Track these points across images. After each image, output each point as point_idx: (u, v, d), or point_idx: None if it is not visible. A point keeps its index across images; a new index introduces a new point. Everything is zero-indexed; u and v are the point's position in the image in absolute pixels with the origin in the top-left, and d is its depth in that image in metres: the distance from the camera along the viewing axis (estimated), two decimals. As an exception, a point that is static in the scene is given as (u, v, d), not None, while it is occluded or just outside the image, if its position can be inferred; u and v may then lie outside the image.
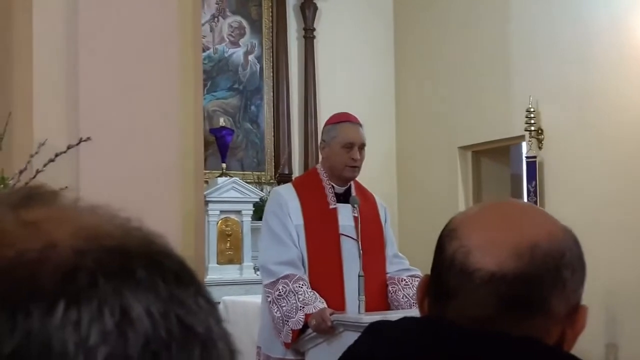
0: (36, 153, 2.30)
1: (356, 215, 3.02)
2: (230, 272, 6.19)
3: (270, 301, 2.91)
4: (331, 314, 2.77)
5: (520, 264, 0.88)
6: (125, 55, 2.82)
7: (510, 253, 0.88)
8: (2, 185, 2.21)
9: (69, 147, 2.31)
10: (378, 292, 3.03)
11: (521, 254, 0.88)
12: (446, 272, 0.93)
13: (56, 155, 2.28)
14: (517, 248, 0.89)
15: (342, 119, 3.14)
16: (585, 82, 5.65)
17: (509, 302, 0.88)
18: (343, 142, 3.05)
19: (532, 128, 5.99)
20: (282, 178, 6.79)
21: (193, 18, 3.07)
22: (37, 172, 2.25)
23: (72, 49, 2.71)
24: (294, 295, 2.85)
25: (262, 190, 6.55)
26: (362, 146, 3.09)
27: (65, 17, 2.73)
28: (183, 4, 2.95)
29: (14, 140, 2.54)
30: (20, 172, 2.27)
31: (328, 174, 3.10)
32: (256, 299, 4.61)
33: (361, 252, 2.91)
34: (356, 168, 3.09)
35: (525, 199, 6.31)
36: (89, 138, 2.32)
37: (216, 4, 6.74)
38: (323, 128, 3.20)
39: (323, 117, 6.90)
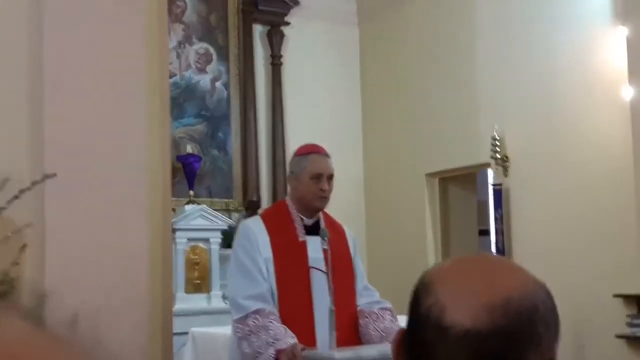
0: None
1: (326, 247, 3.01)
2: (198, 301, 6.10)
3: (240, 337, 2.87)
4: (302, 349, 2.74)
5: (494, 319, 0.87)
6: (91, 87, 2.78)
7: (484, 308, 0.88)
8: (-36, 224, 2.15)
9: (33, 184, 2.27)
10: (348, 326, 3.01)
11: (495, 309, 0.87)
12: (422, 328, 0.92)
13: (20, 192, 2.24)
14: (491, 303, 0.88)
15: (310, 150, 3.14)
16: (549, 111, 5.74)
17: (481, 359, 0.87)
18: (311, 173, 3.05)
19: (498, 155, 6.06)
20: (251, 205, 6.76)
21: (160, 46, 3.05)
22: (1, 209, 2.20)
23: (37, 81, 2.67)
24: (265, 330, 2.81)
25: (230, 217, 6.51)
26: (330, 177, 3.10)
27: (28, 48, 2.69)
28: (149, 32, 2.93)
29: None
30: (-17, 209, 2.22)
31: (297, 206, 3.09)
32: (225, 329, 4.55)
33: (332, 285, 2.89)
34: (325, 199, 3.08)
35: (492, 226, 6.37)
36: (54, 174, 2.28)
37: (182, 30, 6.73)
38: (291, 160, 3.19)
39: (291, 143, 6.90)
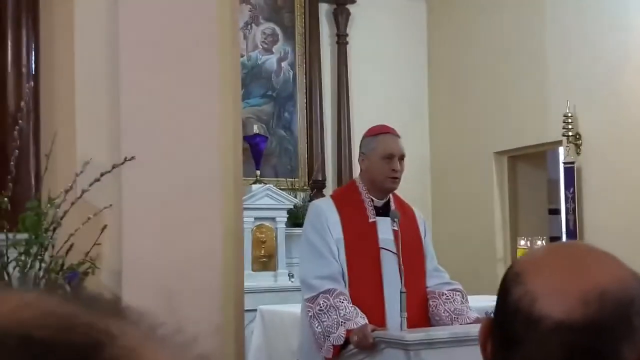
0: (81, 172, 2.33)
1: (396, 228, 3.00)
2: (265, 279, 6.19)
3: (311, 316, 2.90)
4: (373, 330, 2.76)
5: (588, 312, 0.85)
6: (165, 70, 2.83)
7: (577, 300, 0.86)
8: (49, 205, 2.24)
9: (114, 167, 2.33)
10: (419, 307, 3.00)
11: (589, 301, 0.86)
12: (511, 318, 0.91)
13: (102, 175, 2.30)
14: (585, 295, 0.86)
15: (381, 131, 3.12)
16: (623, 87, 5.55)
17: (578, 352, 0.85)
18: (383, 153, 3.03)
19: (570, 133, 5.90)
20: (316, 185, 6.79)
21: (231, 28, 3.07)
22: (83, 191, 2.27)
23: (114, 67, 2.74)
24: (335, 310, 2.83)
25: (295, 197, 6.55)
26: (401, 157, 3.08)
27: (105, 37, 2.75)
28: (221, 13, 2.96)
29: (58, 159, 2.57)
30: (66, 191, 2.29)
31: (367, 187, 3.09)
32: (292, 308, 4.61)
33: (402, 267, 2.89)
34: (397, 179, 3.07)
35: (563, 205, 6.23)
36: (133, 157, 2.34)
37: (249, 11, 6.76)
38: (361, 140, 3.18)
39: (356, 123, 6.89)
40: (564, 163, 6.04)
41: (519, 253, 5.00)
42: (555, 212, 7.24)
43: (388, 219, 3.03)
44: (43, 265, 2.22)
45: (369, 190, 3.08)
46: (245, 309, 3.60)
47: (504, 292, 0.94)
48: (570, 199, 5.93)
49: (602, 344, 0.85)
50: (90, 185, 2.27)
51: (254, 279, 6.06)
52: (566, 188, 6.01)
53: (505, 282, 0.95)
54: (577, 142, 5.93)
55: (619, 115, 5.60)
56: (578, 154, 5.94)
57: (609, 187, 5.68)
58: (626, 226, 5.49)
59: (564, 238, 6.56)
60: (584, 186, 5.90)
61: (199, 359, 0.41)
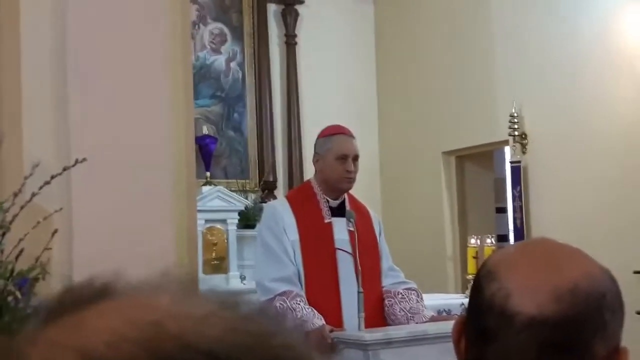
0: (30, 175, 2.25)
1: (351, 229, 3.00)
2: (216, 282, 6.13)
3: (267, 318, 2.87)
4: (331, 331, 2.75)
5: (560, 307, 0.86)
6: (115, 70, 2.77)
7: (550, 296, 0.87)
8: (-4, 210, 2.15)
9: (64, 169, 2.26)
10: (375, 307, 3.01)
11: (561, 296, 0.86)
12: (485, 315, 0.92)
13: (52, 177, 2.23)
14: (557, 290, 0.87)
15: (335, 132, 3.13)
16: (569, 87, 5.69)
17: (551, 347, 0.86)
18: (337, 154, 3.04)
19: (516, 133, 6.02)
20: (267, 186, 6.76)
21: (183, 27, 3.02)
22: (33, 194, 2.20)
23: (62, 67, 2.66)
24: (292, 312, 2.82)
25: (246, 198, 6.51)
26: (355, 158, 3.09)
27: (53, 35, 2.67)
28: (172, 16, 2.91)
29: (5, 162, 2.48)
30: (15, 194, 2.21)
31: (322, 187, 3.08)
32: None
33: (359, 267, 2.89)
34: (351, 179, 3.08)
35: (510, 204, 6.35)
36: (84, 159, 2.27)
37: (197, 11, 6.68)
38: (316, 141, 3.18)
39: (306, 123, 6.88)
40: (511, 162, 6.16)
41: (469, 251, 5.07)
42: (503, 210, 7.37)
43: (344, 219, 3.03)
44: (-9, 271, 2.14)
45: (324, 190, 3.07)
46: (198, 312, 3.55)
47: (477, 289, 0.94)
48: (517, 197, 6.05)
49: (573, 339, 0.86)
50: (40, 188, 2.19)
51: (205, 282, 6.00)
52: (513, 187, 6.13)
53: (478, 280, 0.95)
54: (523, 141, 6.05)
55: (564, 115, 5.74)
56: (524, 153, 6.06)
57: (554, 185, 5.81)
58: (572, 224, 5.63)
59: (511, 236, 6.68)
60: (530, 185, 6.02)
61: None
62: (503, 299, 0.89)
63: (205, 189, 6.19)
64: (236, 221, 6.25)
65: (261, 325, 0.37)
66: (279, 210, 3.01)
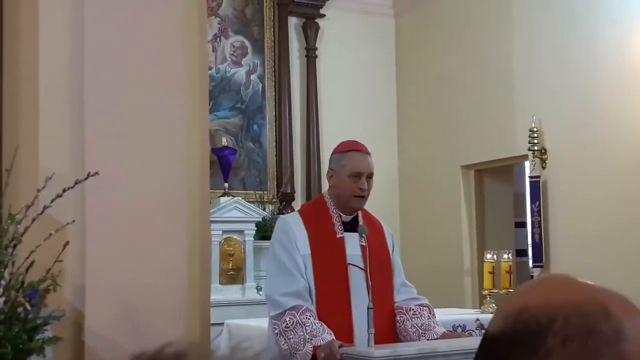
0: (43, 187, 2.28)
1: (364, 244, 3.00)
2: (232, 293, 6.15)
3: (277, 333, 2.87)
4: (340, 346, 2.74)
5: (503, 326, 0.85)
6: (131, 83, 2.80)
7: (501, 316, 0.87)
8: (10, 221, 2.19)
9: (76, 182, 2.29)
10: (386, 323, 3.00)
11: (508, 316, 0.86)
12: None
13: (64, 191, 2.26)
14: (508, 311, 0.87)
15: (350, 148, 3.12)
16: (589, 103, 5.64)
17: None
18: (351, 171, 3.03)
19: (536, 148, 5.98)
20: (285, 197, 6.77)
21: (200, 40, 3.05)
22: (45, 207, 2.23)
23: (78, 80, 2.70)
24: (302, 327, 2.82)
25: (264, 209, 6.53)
26: (370, 175, 3.07)
27: (70, 49, 2.71)
28: (188, 25, 2.93)
29: (19, 174, 2.52)
30: (27, 207, 2.25)
31: (335, 203, 3.08)
32: (260, 322, 4.57)
33: (370, 282, 2.88)
34: (363, 198, 3.06)
35: (529, 219, 6.29)
36: (96, 173, 2.30)
37: (218, 24, 6.74)
38: (331, 156, 3.17)
39: (325, 136, 6.89)
40: (530, 177, 6.12)
41: (486, 266, 5.03)
42: (522, 225, 7.32)
43: (356, 234, 3.03)
44: (2, 282, 2.16)
45: (336, 205, 3.07)
46: (212, 322, 3.57)
47: None
48: (536, 212, 6.00)
49: (506, 356, 0.84)
50: (52, 201, 2.22)
51: (221, 293, 6.01)
52: (532, 202, 6.08)
53: None
54: (543, 156, 6.00)
55: (584, 130, 5.69)
56: (544, 168, 6.01)
57: (574, 201, 5.76)
58: (590, 240, 5.56)
59: (529, 251, 6.62)
60: (549, 200, 5.97)
61: None
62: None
63: (223, 199, 6.22)
64: (253, 232, 6.27)
65: None
66: (291, 224, 3.01)
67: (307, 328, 2.81)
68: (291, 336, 2.82)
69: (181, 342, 0.41)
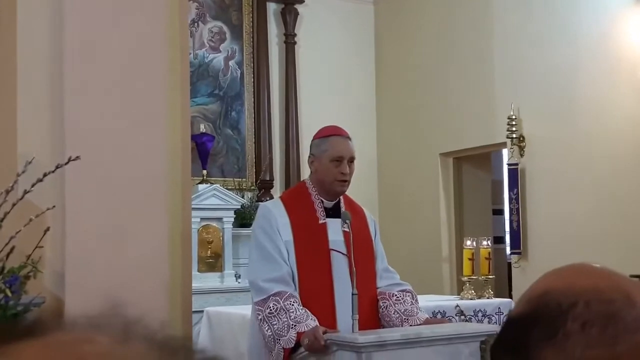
0: (23, 172, 2.24)
1: (346, 230, 2.99)
2: (211, 280, 6.12)
3: (260, 319, 2.86)
4: (324, 333, 2.73)
5: (525, 309, 0.85)
6: (112, 68, 2.75)
7: (525, 299, 0.87)
8: (-12, 207, 2.14)
9: (57, 167, 2.25)
10: (369, 309, 2.99)
11: (531, 299, 0.85)
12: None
13: (45, 175, 2.22)
14: (531, 294, 0.86)
15: (331, 133, 3.10)
16: (568, 90, 5.68)
17: (502, 344, 0.86)
18: (332, 156, 3.01)
19: (514, 135, 6.01)
20: (264, 185, 6.74)
21: (181, 25, 3.01)
22: (25, 192, 2.19)
23: (58, 63, 2.64)
24: (286, 313, 2.80)
25: (243, 197, 6.50)
26: (351, 160, 3.06)
27: (50, 32, 2.66)
28: (171, 12, 2.89)
29: (-2, 158, 2.47)
30: (7, 192, 2.20)
31: (317, 188, 3.06)
32: (240, 309, 4.55)
33: (353, 268, 2.87)
34: (345, 182, 3.05)
35: (507, 206, 6.34)
36: (78, 157, 2.26)
37: (196, 9, 6.67)
38: (312, 142, 3.15)
39: (304, 122, 6.87)
40: (508, 164, 6.15)
41: (465, 253, 5.06)
42: (500, 212, 7.37)
43: (338, 220, 3.01)
44: (-18, 269, 2.12)
45: (318, 191, 3.05)
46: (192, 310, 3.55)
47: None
48: (514, 199, 6.04)
49: (523, 337, 0.84)
50: (33, 185, 2.18)
51: (200, 280, 5.98)
52: (510, 189, 6.12)
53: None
54: (521, 144, 6.04)
55: (562, 118, 5.73)
56: (522, 155, 6.05)
57: (551, 188, 5.80)
58: (568, 227, 5.62)
59: (507, 238, 6.67)
60: (527, 187, 6.02)
61: None
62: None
63: (202, 187, 6.17)
64: (232, 220, 6.24)
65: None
66: (273, 211, 2.99)
67: (291, 314, 2.79)
68: (275, 322, 2.80)
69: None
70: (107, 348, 0.37)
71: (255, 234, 3.02)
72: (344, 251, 2.97)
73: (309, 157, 3.12)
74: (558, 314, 0.81)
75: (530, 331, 0.82)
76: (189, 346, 0.38)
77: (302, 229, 2.98)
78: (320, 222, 3.02)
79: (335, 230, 3.02)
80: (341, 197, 3.12)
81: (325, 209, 3.05)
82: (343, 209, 3.07)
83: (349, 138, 3.10)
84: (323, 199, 3.05)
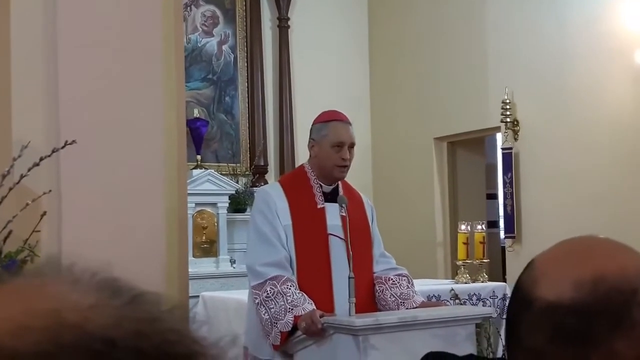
0: (19, 156, 2.22)
1: (344, 214, 2.99)
2: (206, 266, 6.12)
3: (258, 303, 2.86)
4: (321, 316, 2.74)
5: (579, 295, 0.84)
6: (107, 51, 2.73)
7: (570, 284, 0.85)
8: (-16, 191, 2.12)
9: (54, 151, 2.23)
10: (366, 293, 3.00)
11: (582, 285, 0.85)
12: (513, 299, 0.92)
13: (41, 159, 2.20)
14: (579, 279, 0.85)
15: (332, 118, 3.09)
16: (561, 75, 5.68)
17: (564, 333, 0.85)
18: (333, 141, 3.01)
19: (508, 119, 6.01)
20: (258, 170, 6.73)
21: (175, 9, 2.98)
22: (22, 176, 2.17)
23: (52, 47, 2.62)
24: (282, 296, 2.81)
25: (237, 182, 6.49)
26: (351, 145, 3.06)
27: (44, 15, 2.63)
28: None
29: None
30: (3, 176, 2.19)
31: (316, 173, 3.06)
32: (235, 294, 4.56)
33: (350, 252, 2.88)
34: (345, 168, 3.05)
35: (501, 190, 6.35)
36: (74, 141, 2.24)
37: (189, -8, 6.62)
38: (312, 126, 3.14)
39: (298, 107, 6.85)
40: (502, 149, 6.16)
41: (460, 237, 5.07)
42: (494, 196, 7.39)
43: (336, 204, 3.02)
44: (-21, 254, 2.11)
45: (317, 176, 3.05)
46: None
47: (518, 278, 0.95)
48: (508, 183, 6.05)
49: (588, 327, 0.84)
50: (29, 170, 2.17)
51: (195, 266, 5.98)
52: (504, 173, 6.13)
53: (523, 270, 0.96)
54: (515, 128, 6.04)
55: (556, 102, 5.73)
56: (516, 139, 6.06)
57: (545, 172, 5.82)
58: (562, 211, 5.64)
59: (501, 222, 6.70)
60: (521, 171, 6.03)
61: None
62: (530, 285, 0.89)
63: (196, 172, 6.16)
64: (226, 205, 6.23)
65: (147, 311, 0.40)
66: (272, 195, 2.98)
67: (288, 298, 2.80)
68: (272, 306, 2.81)
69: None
70: (72, 293, 0.39)
71: (254, 218, 3.02)
72: (342, 235, 2.97)
73: (309, 141, 3.12)
74: (622, 302, 0.82)
75: (596, 321, 0.81)
76: (123, 285, 0.40)
77: (301, 213, 2.98)
78: (319, 206, 3.02)
79: (333, 214, 3.02)
80: (339, 182, 3.12)
81: (324, 194, 3.05)
82: (341, 193, 3.07)
83: (349, 123, 3.10)
84: (322, 184, 3.05)
